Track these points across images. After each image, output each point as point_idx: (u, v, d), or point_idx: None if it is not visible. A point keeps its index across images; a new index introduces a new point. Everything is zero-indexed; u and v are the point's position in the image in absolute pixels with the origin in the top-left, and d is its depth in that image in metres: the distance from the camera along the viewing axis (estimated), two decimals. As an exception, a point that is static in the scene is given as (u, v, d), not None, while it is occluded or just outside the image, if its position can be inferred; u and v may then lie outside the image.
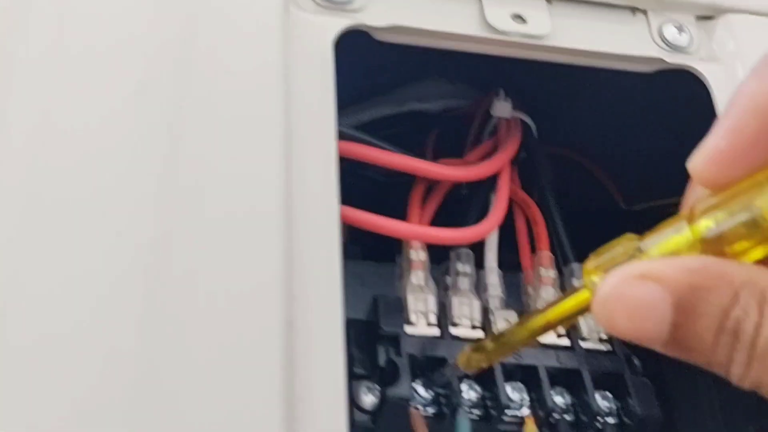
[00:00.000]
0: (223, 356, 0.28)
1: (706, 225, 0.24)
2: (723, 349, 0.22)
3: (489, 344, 0.30)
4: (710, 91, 0.40)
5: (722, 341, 0.22)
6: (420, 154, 0.46)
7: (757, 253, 0.24)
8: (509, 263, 0.45)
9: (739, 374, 0.22)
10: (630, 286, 0.23)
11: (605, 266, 0.25)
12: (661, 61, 0.40)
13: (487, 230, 0.41)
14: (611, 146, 0.57)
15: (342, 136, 0.39)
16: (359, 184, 0.52)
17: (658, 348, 0.23)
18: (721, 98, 0.40)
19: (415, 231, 0.39)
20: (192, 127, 0.32)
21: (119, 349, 0.27)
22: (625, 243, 0.26)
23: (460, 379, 0.38)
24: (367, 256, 0.47)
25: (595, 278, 0.25)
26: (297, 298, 0.31)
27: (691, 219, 0.24)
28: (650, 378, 0.41)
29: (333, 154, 0.33)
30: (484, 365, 0.31)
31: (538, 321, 0.28)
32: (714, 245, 0.24)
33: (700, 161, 0.24)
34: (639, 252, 0.25)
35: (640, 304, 0.23)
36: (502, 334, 0.29)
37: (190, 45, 0.33)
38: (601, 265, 0.26)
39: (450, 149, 0.50)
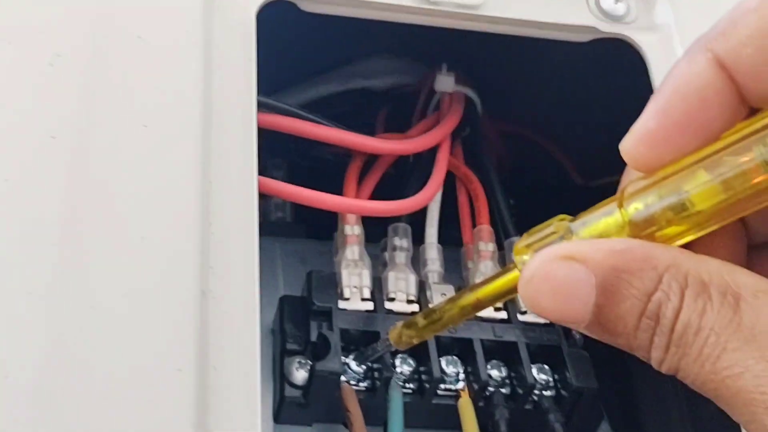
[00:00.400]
0: (138, 324, 0.28)
1: (635, 207, 0.24)
2: (644, 332, 0.22)
3: (420, 320, 0.30)
4: (646, 61, 0.39)
5: (643, 325, 0.22)
6: (371, 133, 0.46)
7: (687, 237, 0.24)
8: (452, 240, 0.45)
9: (658, 358, 0.22)
10: (555, 267, 0.23)
11: (535, 246, 0.25)
12: (595, 30, 0.40)
13: (422, 202, 0.40)
14: (565, 122, 0.57)
15: (276, 110, 0.39)
16: (310, 165, 0.52)
17: (582, 329, 0.23)
18: (657, 69, 0.39)
19: (348, 203, 0.39)
20: (108, 100, 0.31)
21: (29, 316, 0.27)
22: (557, 224, 0.25)
23: (394, 354, 0.37)
24: (311, 235, 0.47)
25: (525, 257, 0.25)
26: (213, 268, 0.30)
27: (620, 201, 0.24)
28: (602, 350, 0.40)
29: (253, 126, 0.33)
30: (415, 341, 0.30)
31: (469, 299, 0.27)
32: (643, 228, 0.24)
33: (629, 142, 0.24)
34: (569, 233, 0.25)
35: (564, 285, 0.23)
36: (433, 311, 0.29)
37: (108, 18, 0.33)
38: (531, 245, 0.25)
39: (402, 127, 0.50)
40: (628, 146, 0.24)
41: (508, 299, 0.26)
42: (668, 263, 0.22)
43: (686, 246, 0.24)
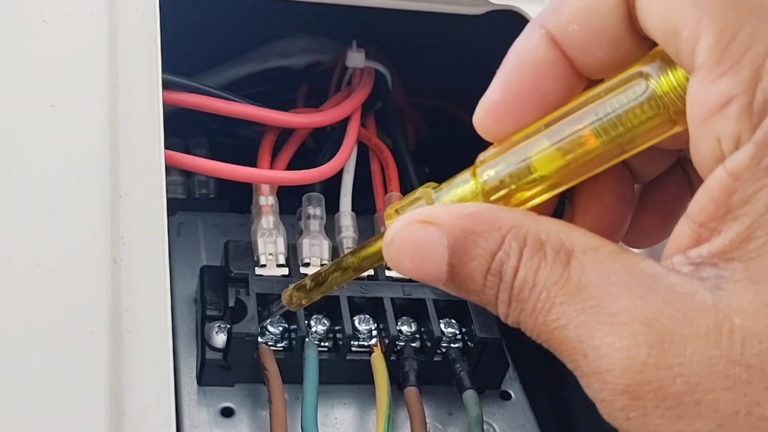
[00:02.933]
0: (52, 290, 0.30)
1: (487, 174, 0.26)
2: (490, 289, 0.24)
3: (308, 283, 0.31)
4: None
5: (489, 282, 0.24)
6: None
7: (541, 197, 0.26)
8: (368, 210, 0.47)
9: (503, 312, 0.24)
10: (412, 230, 0.25)
11: (402, 211, 0.27)
12: (487, 2, 0.42)
13: (331, 171, 0.42)
14: (474, 93, 0.59)
15: (184, 88, 0.41)
16: (233, 144, 0.54)
17: (441, 287, 0.25)
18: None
19: (260, 174, 0.41)
20: (16, 82, 0.33)
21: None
22: (422, 190, 0.27)
23: (309, 315, 0.40)
24: (235, 209, 0.48)
25: (392, 221, 0.27)
26: (124, 237, 0.32)
27: (474, 169, 0.26)
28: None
29: (158, 102, 0.35)
30: (305, 302, 0.32)
31: (349, 262, 0.29)
32: (494, 193, 0.26)
33: (478, 114, 0.26)
34: (431, 199, 0.27)
35: (419, 247, 0.24)
36: (319, 274, 0.31)
37: (12, 2, 0.34)
38: (398, 210, 0.27)
39: (321, 104, 0.52)
40: (477, 117, 0.26)
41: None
42: (511, 224, 0.24)
43: (537, 208, 0.26)
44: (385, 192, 0.46)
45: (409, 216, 0.25)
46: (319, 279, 0.31)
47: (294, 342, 0.39)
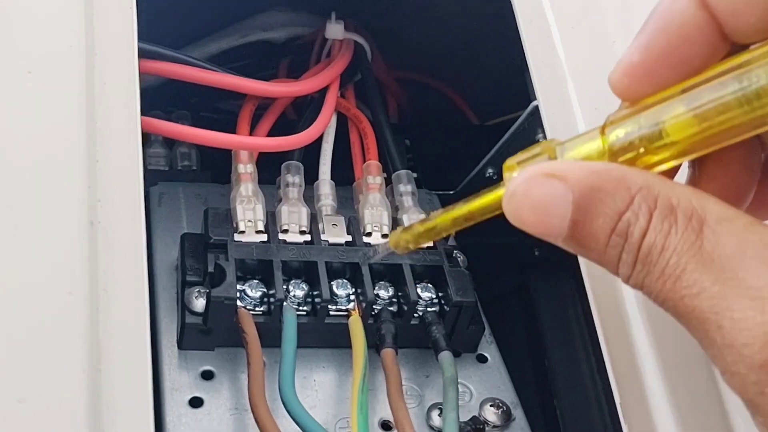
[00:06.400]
0: (30, 251, 0.31)
1: (616, 134, 0.25)
2: (613, 249, 0.24)
3: (417, 227, 0.30)
4: (513, 5, 0.42)
5: (613, 242, 0.23)
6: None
7: (668, 164, 0.25)
8: (348, 180, 0.47)
9: (625, 274, 0.24)
10: (536, 184, 0.24)
11: (523, 164, 0.26)
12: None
13: (309, 138, 0.43)
14: (458, 67, 0.60)
15: (161, 57, 0.41)
16: (216, 117, 0.55)
17: (560, 243, 0.25)
18: (522, 14, 0.42)
19: (239, 140, 0.42)
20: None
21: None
22: (545, 145, 0.26)
23: (288, 280, 0.40)
24: (216, 179, 0.49)
25: (513, 174, 0.26)
26: (101, 200, 0.33)
27: (603, 128, 0.25)
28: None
29: (134, 69, 0.35)
30: (411, 247, 0.31)
31: (461, 210, 0.28)
32: (622, 154, 0.25)
33: (615, 74, 0.26)
34: (554, 155, 0.26)
35: (544, 200, 0.24)
36: (429, 220, 0.30)
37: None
38: (520, 162, 0.27)
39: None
40: (614, 78, 0.26)
41: (498, 213, 0.27)
42: (641, 185, 0.23)
43: (665, 173, 0.25)
44: (364, 161, 0.46)
45: (535, 169, 0.25)
46: (428, 224, 0.30)
47: (273, 306, 0.39)
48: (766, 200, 0.29)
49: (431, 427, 0.39)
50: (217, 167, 0.48)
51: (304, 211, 0.42)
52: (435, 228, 0.30)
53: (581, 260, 0.34)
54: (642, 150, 0.25)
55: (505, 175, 0.27)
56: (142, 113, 0.35)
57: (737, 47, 0.25)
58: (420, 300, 0.41)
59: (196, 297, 0.39)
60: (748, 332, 0.21)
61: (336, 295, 0.40)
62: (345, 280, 0.41)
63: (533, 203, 0.24)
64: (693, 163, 0.28)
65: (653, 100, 0.25)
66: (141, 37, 0.37)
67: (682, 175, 0.29)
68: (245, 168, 0.42)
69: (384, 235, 0.42)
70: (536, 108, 0.41)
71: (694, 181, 0.28)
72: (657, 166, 0.25)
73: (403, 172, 0.46)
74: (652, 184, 0.23)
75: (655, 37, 0.25)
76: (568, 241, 0.24)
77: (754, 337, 0.21)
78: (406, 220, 0.43)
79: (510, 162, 0.27)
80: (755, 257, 0.22)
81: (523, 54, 0.40)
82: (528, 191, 0.25)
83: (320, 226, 0.42)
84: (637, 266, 0.23)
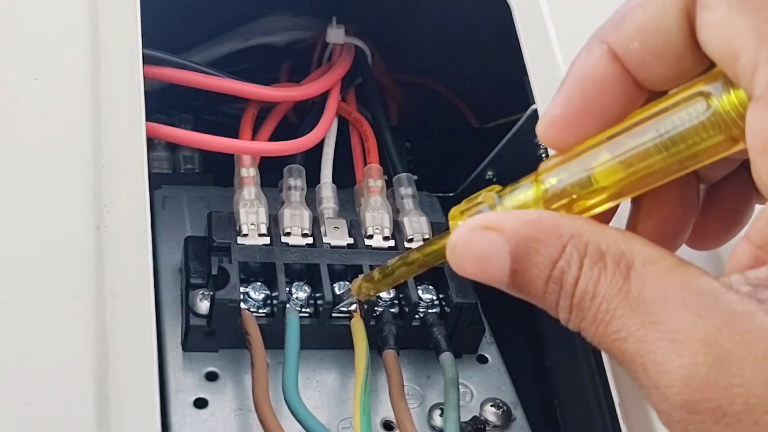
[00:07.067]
0: (38, 256, 0.31)
1: (549, 182, 0.26)
2: (551, 296, 0.24)
3: (376, 275, 0.33)
4: (512, 10, 0.42)
5: (550, 289, 0.24)
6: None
7: (603, 206, 0.26)
8: (349, 183, 0.48)
9: (564, 318, 0.25)
10: (474, 236, 0.25)
11: (465, 214, 0.28)
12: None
13: (310, 142, 0.43)
14: (458, 70, 0.60)
15: (165, 62, 0.42)
16: (219, 121, 0.55)
17: (503, 289, 0.26)
18: (521, 19, 0.42)
19: (241, 145, 0.42)
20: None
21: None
22: (485, 194, 0.28)
23: (290, 282, 0.41)
24: (219, 182, 0.50)
25: (458, 223, 0.28)
26: (107, 205, 0.33)
27: (536, 177, 0.27)
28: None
29: (139, 75, 0.36)
30: (372, 293, 0.34)
31: (414, 257, 0.31)
32: (556, 201, 0.26)
33: (541, 126, 0.27)
34: (493, 204, 0.28)
35: (483, 251, 0.25)
36: (387, 267, 0.32)
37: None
38: (463, 212, 0.28)
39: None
40: (540, 129, 0.27)
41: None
42: (572, 233, 0.24)
43: (599, 217, 0.26)
44: (365, 164, 0.47)
45: (473, 221, 0.26)
46: (386, 272, 0.32)
47: (276, 308, 0.40)
48: (709, 231, 0.30)
49: (432, 427, 0.39)
50: (219, 170, 0.48)
51: (306, 214, 0.43)
52: (393, 275, 0.32)
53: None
54: (575, 196, 0.26)
55: (451, 224, 0.28)
56: (145, 117, 0.35)
57: (658, 93, 0.26)
58: (421, 302, 0.41)
59: (200, 299, 0.40)
60: (669, 374, 0.22)
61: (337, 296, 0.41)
62: (347, 282, 0.41)
63: (473, 255, 0.25)
64: (633, 201, 0.29)
65: (582, 148, 0.26)
66: (143, 42, 0.37)
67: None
68: (248, 171, 0.43)
69: (385, 238, 0.43)
70: (535, 111, 0.42)
71: (633, 218, 0.29)
72: (593, 209, 0.26)
73: (403, 175, 0.46)
74: (583, 231, 0.24)
75: (572, 91, 0.26)
76: (510, 288, 0.25)
77: (674, 379, 0.22)
78: (407, 222, 0.44)
79: (454, 211, 0.28)
80: (675, 300, 0.23)
81: (522, 58, 0.41)
82: (468, 243, 0.26)
83: (322, 228, 0.43)
84: (573, 312, 0.24)
